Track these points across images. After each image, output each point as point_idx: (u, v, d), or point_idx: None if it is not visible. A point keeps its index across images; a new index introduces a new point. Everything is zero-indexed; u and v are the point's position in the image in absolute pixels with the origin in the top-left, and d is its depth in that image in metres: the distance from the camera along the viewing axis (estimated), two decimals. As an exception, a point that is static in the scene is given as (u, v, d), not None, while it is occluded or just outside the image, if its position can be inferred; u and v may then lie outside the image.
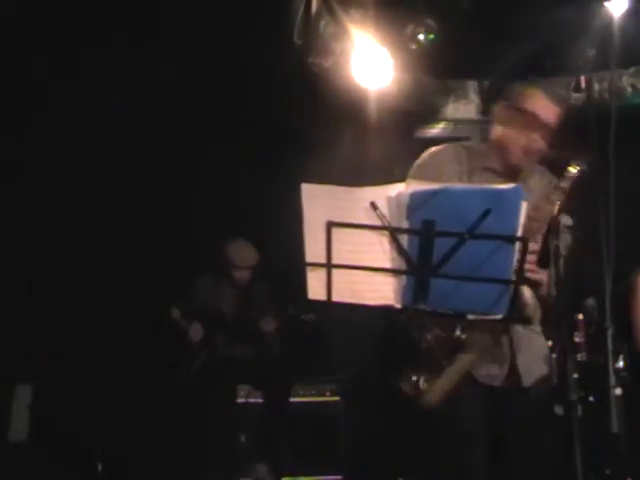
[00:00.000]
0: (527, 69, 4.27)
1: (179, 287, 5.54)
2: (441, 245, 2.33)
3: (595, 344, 4.35)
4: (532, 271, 2.55)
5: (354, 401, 5.54)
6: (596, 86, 4.94)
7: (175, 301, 5.50)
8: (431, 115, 5.49)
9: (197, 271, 5.61)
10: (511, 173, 2.87)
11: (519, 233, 2.32)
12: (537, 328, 2.83)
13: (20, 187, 5.47)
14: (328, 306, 2.42)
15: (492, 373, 2.76)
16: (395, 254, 2.37)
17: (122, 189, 5.55)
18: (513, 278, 2.34)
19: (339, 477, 5.28)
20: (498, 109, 2.93)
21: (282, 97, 5.37)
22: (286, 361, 5.56)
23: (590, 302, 4.50)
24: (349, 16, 4.80)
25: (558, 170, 2.74)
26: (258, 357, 5.48)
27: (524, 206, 2.33)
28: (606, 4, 3.31)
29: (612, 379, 2.45)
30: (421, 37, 4.78)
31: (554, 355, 2.82)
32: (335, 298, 2.40)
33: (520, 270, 2.34)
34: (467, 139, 5.28)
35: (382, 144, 5.32)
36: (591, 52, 2.86)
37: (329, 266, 2.37)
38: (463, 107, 5.70)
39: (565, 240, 2.74)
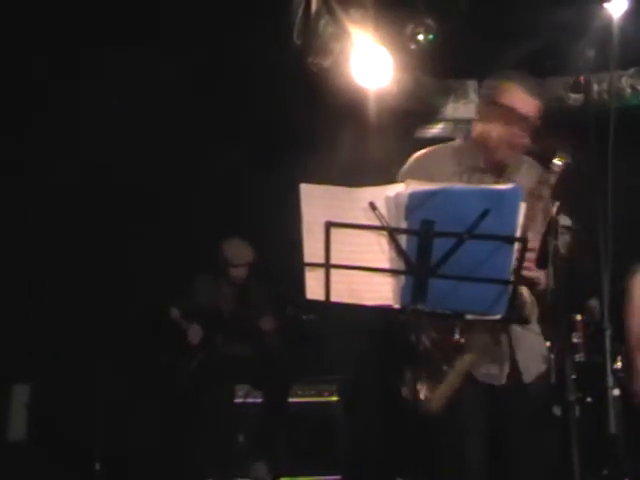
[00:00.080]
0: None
1: (179, 287, 5.54)
2: (440, 245, 2.33)
3: (593, 345, 4.35)
4: (529, 268, 2.55)
5: (353, 401, 5.54)
6: (595, 87, 4.95)
7: (174, 301, 5.50)
8: (431, 115, 5.49)
9: (197, 271, 5.62)
10: (497, 169, 2.87)
11: (518, 233, 2.33)
12: (536, 328, 2.83)
13: (20, 187, 5.47)
14: (327, 306, 2.42)
15: (492, 372, 2.77)
16: (394, 254, 2.37)
17: (122, 189, 5.56)
18: (512, 278, 2.34)
19: (338, 477, 5.28)
20: (477, 106, 2.93)
21: (282, 97, 5.37)
22: (285, 361, 5.56)
23: (593, 302, 4.50)
24: (349, 16, 4.81)
25: (544, 163, 2.74)
26: (257, 356, 5.48)
27: (523, 206, 2.33)
28: (605, 5, 3.30)
29: (610, 380, 2.45)
30: (421, 37, 4.79)
31: (552, 356, 2.83)
32: (334, 298, 2.40)
33: (519, 270, 2.34)
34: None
35: (382, 144, 5.32)
36: (590, 53, 2.86)
37: (328, 266, 2.37)
38: (463, 107, 5.70)
39: (564, 240, 2.74)
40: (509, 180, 2.81)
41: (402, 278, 2.38)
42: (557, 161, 2.64)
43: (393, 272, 2.38)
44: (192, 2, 4.85)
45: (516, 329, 2.77)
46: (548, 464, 2.76)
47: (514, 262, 2.34)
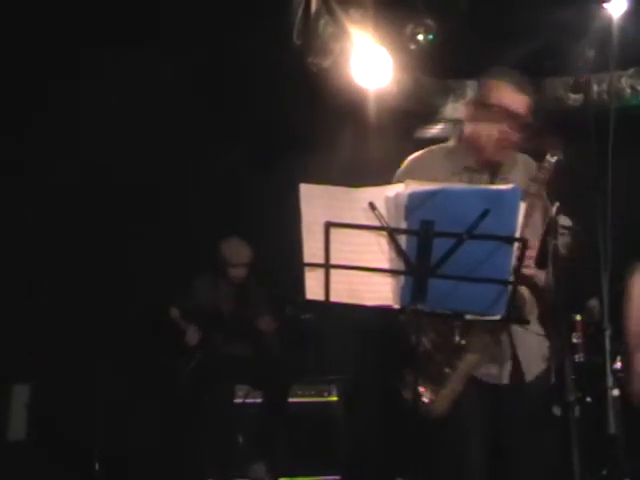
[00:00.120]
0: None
1: (179, 287, 5.54)
2: (439, 245, 2.33)
3: (593, 345, 4.35)
4: (527, 266, 2.54)
5: (353, 401, 5.54)
6: (595, 87, 4.95)
7: (174, 301, 5.50)
8: (430, 115, 5.49)
9: (197, 271, 5.62)
10: (491, 169, 2.87)
11: (518, 234, 2.33)
12: (537, 328, 2.82)
13: (20, 187, 5.47)
14: (326, 306, 2.42)
15: (493, 372, 2.77)
16: (393, 254, 2.37)
17: (122, 189, 5.56)
18: (512, 279, 2.34)
19: (338, 477, 5.28)
20: (465, 106, 2.93)
21: (282, 97, 5.37)
22: (285, 361, 5.57)
23: (592, 303, 4.50)
24: (348, 16, 4.81)
25: (537, 160, 2.75)
26: (257, 356, 5.49)
27: (523, 206, 2.33)
28: (605, 5, 3.30)
29: (610, 380, 2.45)
30: (420, 37, 4.79)
31: (552, 356, 2.83)
32: (333, 298, 2.40)
33: (518, 270, 2.34)
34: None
35: (381, 144, 5.32)
36: (590, 53, 2.85)
37: (327, 266, 2.37)
38: (462, 107, 5.69)
39: (564, 241, 2.74)
40: (504, 179, 2.82)
41: (402, 278, 2.38)
42: (548, 158, 2.65)
43: (393, 272, 2.38)
44: (192, 2, 4.85)
45: (517, 328, 2.77)
46: (548, 464, 2.76)
47: (514, 262, 2.34)
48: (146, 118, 5.39)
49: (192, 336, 5.45)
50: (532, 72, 5.17)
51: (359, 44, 4.92)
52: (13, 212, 5.44)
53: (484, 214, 2.29)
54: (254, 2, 4.82)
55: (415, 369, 2.68)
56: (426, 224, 2.32)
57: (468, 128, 2.89)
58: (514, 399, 2.80)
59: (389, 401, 5.34)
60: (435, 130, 5.82)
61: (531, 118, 2.81)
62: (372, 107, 5.20)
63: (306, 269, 2.41)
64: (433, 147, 3.00)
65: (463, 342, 2.62)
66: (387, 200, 2.36)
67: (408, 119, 5.67)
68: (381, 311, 2.47)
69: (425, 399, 2.62)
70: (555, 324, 2.51)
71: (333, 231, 2.35)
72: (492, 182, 2.84)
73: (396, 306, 2.41)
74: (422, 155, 2.96)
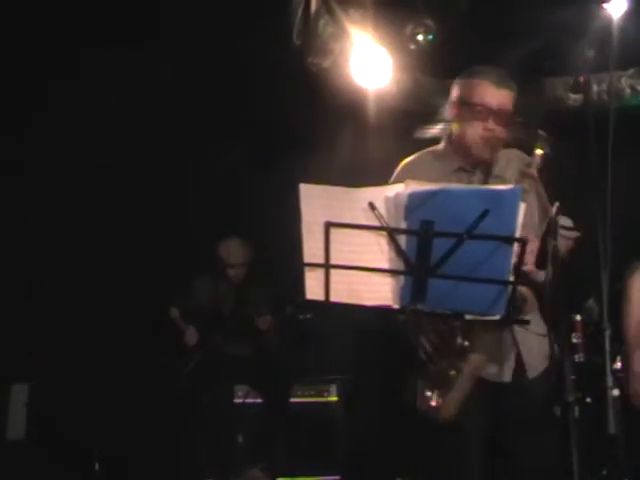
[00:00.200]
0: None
1: (178, 287, 5.54)
2: (439, 245, 2.33)
3: (593, 345, 4.35)
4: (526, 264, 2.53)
5: (353, 401, 5.54)
6: (595, 87, 4.95)
7: (174, 301, 5.51)
8: (430, 115, 5.48)
9: (196, 271, 5.62)
10: (482, 168, 2.87)
11: (517, 234, 2.33)
12: (537, 329, 2.82)
13: (20, 187, 5.47)
14: (326, 306, 2.42)
15: (494, 370, 2.76)
16: (393, 254, 2.37)
17: (122, 189, 5.56)
18: (511, 279, 2.34)
19: (338, 477, 5.28)
20: (449, 108, 2.93)
21: (282, 97, 5.37)
22: (285, 361, 5.57)
23: (590, 303, 4.50)
24: (348, 16, 4.81)
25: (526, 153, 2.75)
26: (257, 356, 5.49)
27: (522, 207, 2.33)
28: (605, 5, 3.30)
29: (609, 380, 2.44)
30: (420, 37, 4.79)
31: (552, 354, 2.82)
32: (333, 298, 2.40)
33: (518, 270, 2.34)
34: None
35: (381, 144, 5.32)
36: (590, 53, 2.85)
37: (327, 266, 2.37)
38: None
39: (563, 241, 2.73)
40: (498, 177, 2.82)
41: (401, 278, 2.38)
42: (536, 152, 2.65)
43: (392, 272, 2.38)
44: (192, 2, 4.85)
45: (517, 327, 2.77)
46: (548, 464, 2.76)
47: (513, 262, 2.34)
48: (146, 118, 5.39)
49: (191, 336, 5.45)
50: (532, 72, 5.20)
51: (359, 44, 4.92)
52: (13, 212, 5.45)
53: (484, 214, 2.29)
54: (254, 2, 4.82)
55: (418, 373, 2.69)
56: (426, 224, 2.32)
57: (454, 129, 2.90)
58: (516, 398, 2.79)
59: (389, 401, 5.34)
60: (435, 130, 5.81)
61: (514, 112, 2.81)
62: (372, 107, 5.19)
63: (306, 269, 2.41)
64: (424, 151, 3.00)
65: (466, 344, 2.61)
66: (387, 200, 2.36)
67: (408, 119, 5.66)
68: (381, 311, 2.47)
69: (433, 403, 2.61)
70: (555, 324, 2.51)
71: (333, 231, 2.35)
72: (485, 181, 2.84)
73: (396, 306, 2.41)
74: (414, 160, 2.96)
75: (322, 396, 5.48)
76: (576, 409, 2.41)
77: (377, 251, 2.38)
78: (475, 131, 2.81)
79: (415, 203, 2.34)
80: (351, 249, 2.38)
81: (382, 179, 2.81)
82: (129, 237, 5.68)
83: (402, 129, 5.64)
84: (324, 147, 5.53)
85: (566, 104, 5.46)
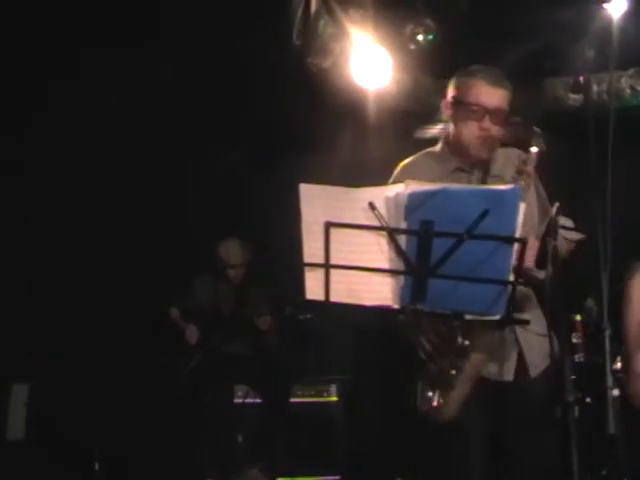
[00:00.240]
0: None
1: (178, 287, 5.54)
2: (439, 245, 2.33)
3: (593, 345, 4.35)
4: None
5: (353, 401, 5.54)
6: (595, 87, 4.95)
7: (174, 301, 5.51)
8: (430, 115, 5.48)
9: (196, 271, 5.62)
10: (481, 167, 2.87)
11: (518, 234, 2.33)
12: (537, 329, 2.82)
13: (20, 187, 5.47)
14: (326, 306, 2.42)
15: (495, 369, 2.76)
16: (393, 254, 2.37)
17: (122, 189, 5.56)
18: (511, 279, 2.34)
19: (337, 477, 5.28)
20: (444, 109, 2.93)
21: (282, 97, 5.38)
22: (285, 361, 5.57)
23: (589, 303, 4.50)
24: (348, 16, 4.81)
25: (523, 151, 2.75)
26: (257, 356, 5.49)
27: (522, 207, 2.32)
28: (605, 5, 3.30)
29: (609, 380, 2.44)
30: (420, 37, 4.79)
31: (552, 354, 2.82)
32: (333, 298, 2.40)
33: (518, 270, 2.34)
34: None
35: (381, 144, 5.32)
36: (590, 53, 2.85)
37: (327, 266, 2.37)
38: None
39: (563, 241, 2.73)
40: (497, 177, 2.82)
41: (401, 278, 2.38)
42: (532, 149, 2.65)
43: (392, 272, 2.38)
44: (192, 2, 4.85)
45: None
46: (548, 464, 2.76)
47: (514, 262, 2.34)
48: (146, 118, 5.39)
49: (191, 335, 5.45)
50: (532, 72, 5.21)
51: (359, 44, 4.92)
52: (13, 212, 5.45)
53: (484, 214, 2.29)
54: (254, 2, 4.82)
55: (418, 373, 2.68)
56: (426, 224, 2.32)
57: (450, 130, 2.90)
58: (517, 397, 2.79)
59: (389, 401, 5.35)
60: (435, 130, 5.81)
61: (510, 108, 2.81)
62: (372, 107, 5.20)
63: (306, 269, 2.40)
64: (421, 153, 3.00)
65: (466, 343, 2.61)
66: (387, 200, 2.35)
67: (408, 119, 5.66)
68: (381, 311, 2.47)
69: (434, 402, 2.61)
70: (555, 324, 2.51)
71: (333, 231, 2.35)
72: (484, 181, 2.84)
73: (396, 306, 2.40)
74: (411, 162, 2.96)
75: (322, 396, 5.48)
76: (576, 409, 2.41)
77: (377, 251, 2.37)
78: (471, 131, 2.81)
79: (415, 203, 2.34)
80: (351, 249, 2.38)
81: (382, 179, 2.81)
82: (129, 237, 5.68)
83: (402, 129, 5.64)
84: (324, 147, 5.53)
85: (566, 104, 5.46)
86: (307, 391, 5.48)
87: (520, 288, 2.63)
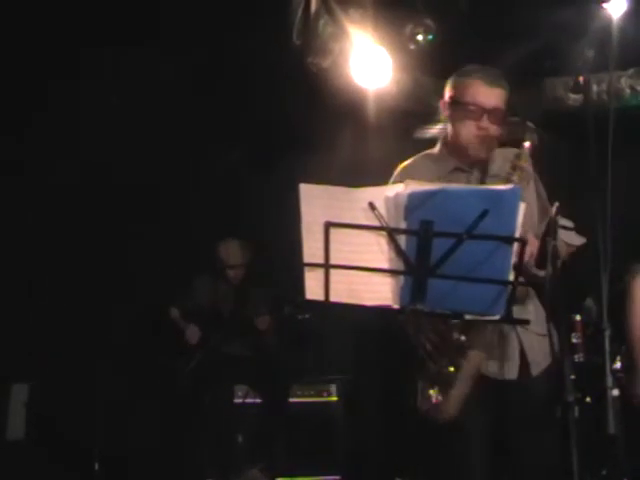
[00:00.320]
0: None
1: (178, 287, 5.55)
2: (439, 245, 2.33)
3: (592, 345, 4.35)
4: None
5: (353, 401, 5.54)
6: (595, 87, 4.95)
7: (174, 301, 5.51)
8: (430, 115, 5.48)
9: (196, 271, 5.63)
10: (479, 167, 2.87)
11: (517, 234, 2.33)
12: (537, 329, 2.81)
13: (20, 187, 5.47)
14: (326, 306, 2.42)
15: (497, 367, 2.76)
16: (393, 254, 2.37)
17: (122, 189, 5.56)
18: (511, 279, 2.34)
19: (337, 477, 5.28)
20: (442, 109, 2.93)
21: (282, 97, 5.38)
22: (284, 361, 5.57)
23: (588, 302, 4.50)
24: (348, 16, 4.81)
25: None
26: (256, 356, 5.49)
27: (522, 207, 2.33)
28: (605, 5, 3.30)
29: (609, 380, 2.44)
30: (420, 37, 4.79)
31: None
32: (333, 298, 2.40)
33: (518, 270, 2.34)
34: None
35: (381, 144, 5.32)
36: (590, 53, 2.85)
37: (327, 266, 2.37)
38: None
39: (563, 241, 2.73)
40: (496, 176, 2.82)
41: (401, 278, 2.38)
42: (524, 143, 2.65)
43: (392, 272, 2.38)
44: (192, 2, 4.85)
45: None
46: (549, 464, 2.76)
47: (513, 262, 2.34)
48: (146, 118, 5.40)
49: (192, 335, 5.46)
50: (532, 72, 5.20)
51: (359, 44, 4.92)
52: (13, 212, 5.45)
53: (484, 214, 2.29)
54: (254, 2, 4.82)
55: (418, 372, 2.68)
56: (426, 224, 2.32)
57: (449, 130, 2.90)
58: (518, 395, 2.79)
59: (389, 401, 5.35)
60: (435, 130, 5.81)
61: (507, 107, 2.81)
62: (372, 107, 5.20)
63: (306, 269, 2.41)
64: (419, 154, 3.00)
65: (463, 338, 2.61)
66: (387, 200, 2.35)
67: (408, 119, 5.66)
68: (381, 311, 2.47)
69: (433, 402, 2.61)
70: (555, 324, 2.51)
71: (333, 231, 2.35)
72: (483, 180, 2.84)
73: (395, 306, 2.40)
74: (410, 163, 2.96)
75: (322, 396, 5.48)
76: (576, 409, 2.40)
77: (377, 251, 2.37)
78: (469, 130, 2.81)
79: (415, 203, 2.34)
80: (351, 249, 2.38)
81: (382, 179, 2.81)
82: (129, 237, 5.68)
83: (402, 129, 5.64)
84: (324, 147, 5.53)
85: (566, 104, 5.46)
86: (307, 391, 5.48)
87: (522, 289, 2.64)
